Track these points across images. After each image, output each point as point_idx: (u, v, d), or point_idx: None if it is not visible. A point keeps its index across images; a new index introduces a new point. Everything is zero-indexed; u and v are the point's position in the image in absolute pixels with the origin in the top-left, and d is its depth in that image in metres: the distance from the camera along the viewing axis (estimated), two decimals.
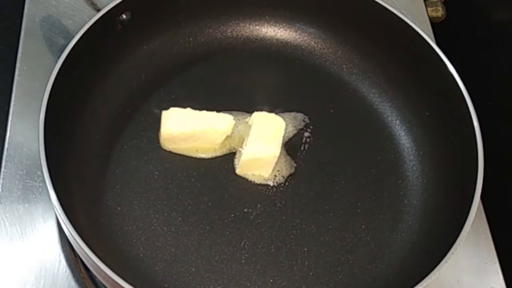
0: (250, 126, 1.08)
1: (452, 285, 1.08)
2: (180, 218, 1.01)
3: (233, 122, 1.08)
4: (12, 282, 1.00)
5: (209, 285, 0.96)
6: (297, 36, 1.21)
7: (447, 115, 1.07)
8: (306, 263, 1.00)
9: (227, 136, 1.08)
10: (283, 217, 1.04)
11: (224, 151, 1.09)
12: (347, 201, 1.06)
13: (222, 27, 1.20)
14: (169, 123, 1.06)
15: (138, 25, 1.10)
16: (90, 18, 1.03)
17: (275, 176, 1.07)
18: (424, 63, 1.11)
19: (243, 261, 0.99)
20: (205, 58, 1.18)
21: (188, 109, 1.08)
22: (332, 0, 1.17)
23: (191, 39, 1.19)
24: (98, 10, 1.05)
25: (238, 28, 1.21)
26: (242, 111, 1.13)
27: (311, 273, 0.99)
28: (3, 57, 1.30)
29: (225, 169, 1.07)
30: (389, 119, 1.15)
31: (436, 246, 0.94)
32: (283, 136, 1.08)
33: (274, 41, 1.22)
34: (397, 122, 1.15)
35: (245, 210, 1.03)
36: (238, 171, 1.07)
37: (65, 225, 0.85)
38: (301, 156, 1.10)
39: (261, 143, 1.05)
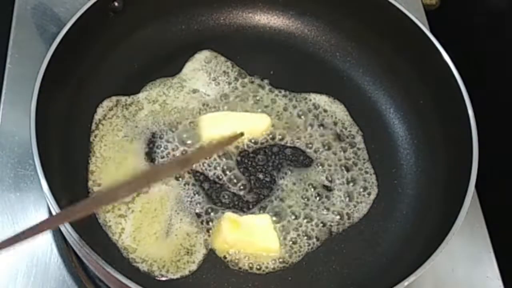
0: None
1: (447, 274, 1.08)
2: None
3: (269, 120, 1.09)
4: (4, 271, 1.00)
5: None
6: (291, 24, 1.21)
7: (442, 103, 1.07)
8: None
9: None
10: None
11: None
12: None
13: (214, 14, 1.19)
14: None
15: (130, 12, 1.09)
16: (82, 6, 1.02)
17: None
18: (418, 51, 1.10)
19: None
20: (198, 46, 1.17)
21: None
22: None
23: (183, 27, 1.18)
24: None
25: (231, 15, 1.20)
26: None
27: (304, 263, 0.99)
28: None
29: None
30: (383, 107, 1.15)
31: (430, 235, 0.95)
32: None
33: (267, 28, 1.21)
34: (391, 110, 1.14)
35: None
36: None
37: None
38: None
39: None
